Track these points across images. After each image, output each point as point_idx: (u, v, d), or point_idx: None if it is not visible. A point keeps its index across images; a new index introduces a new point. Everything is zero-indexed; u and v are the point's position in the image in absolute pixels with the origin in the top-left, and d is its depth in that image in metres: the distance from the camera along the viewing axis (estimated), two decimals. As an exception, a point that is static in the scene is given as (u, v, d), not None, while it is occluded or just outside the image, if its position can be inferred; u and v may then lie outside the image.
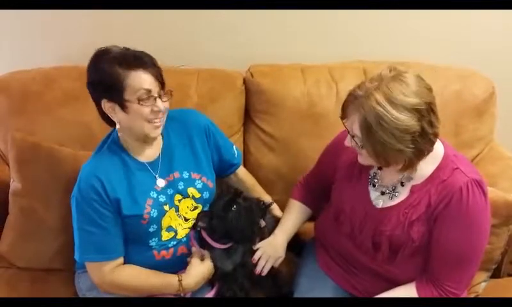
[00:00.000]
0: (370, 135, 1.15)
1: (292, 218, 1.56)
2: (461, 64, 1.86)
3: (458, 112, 1.79)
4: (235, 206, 1.37)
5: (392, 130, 1.13)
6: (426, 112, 1.15)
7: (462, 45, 1.99)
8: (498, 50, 2.00)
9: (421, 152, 1.19)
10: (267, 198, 1.68)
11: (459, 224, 1.22)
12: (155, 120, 1.37)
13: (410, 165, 1.22)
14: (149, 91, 1.33)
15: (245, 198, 1.40)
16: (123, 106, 1.33)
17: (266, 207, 1.36)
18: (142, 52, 1.37)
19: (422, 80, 1.18)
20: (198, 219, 1.45)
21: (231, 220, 1.40)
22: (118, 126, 1.40)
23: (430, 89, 1.18)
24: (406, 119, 1.12)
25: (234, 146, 1.67)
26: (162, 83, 1.38)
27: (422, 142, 1.17)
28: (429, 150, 1.21)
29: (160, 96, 1.36)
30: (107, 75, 1.32)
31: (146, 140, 1.43)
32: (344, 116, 1.24)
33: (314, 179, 1.58)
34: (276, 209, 1.65)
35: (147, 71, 1.33)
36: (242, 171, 1.72)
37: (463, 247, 1.24)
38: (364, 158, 1.27)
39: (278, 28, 1.96)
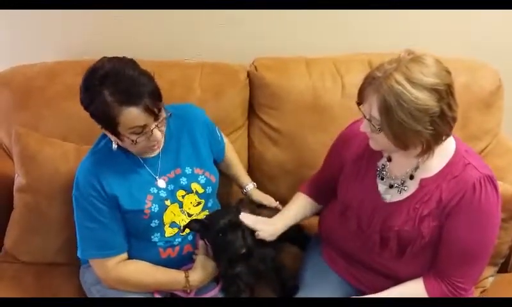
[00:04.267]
0: (390, 116, 1.13)
1: (294, 208, 1.54)
2: (468, 56, 1.84)
3: (465, 105, 1.76)
4: (221, 234, 1.37)
5: (411, 110, 1.11)
6: (445, 94, 1.13)
7: (469, 37, 1.97)
8: (505, 43, 1.98)
9: (439, 135, 1.17)
10: (246, 180, 1.72)
11: (471, 219, 1.21)
12: (153, 147, 1.36)
13: (428, 149, 1.20)
14: (144, 126, 1.28)
15: (233, 230, 1.38)
16: (118, 138, 1.31)
17: (246, 253, 1.37)
18: (136, 79, 1.26)
19: (440, 63, 1.16)
20: (187, 224, 1.43)
21: (213, 243, 1.42)
22: (115, 146, 1.37)
23: (449, 72, 1.17)
24: (426, 99, 1.11)
25: (217, 128, 1.65)
26: (158, 108, 1.29)
27: (441, 124, 1.15)
28: (448, 134, 1.20)
29: (157, 125, 1.31)
30: (99, 105, 1.24)
31: None
32: (360, 100, 1.21)
33: (322, 178, 1.56)
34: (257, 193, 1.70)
35: (140, 106, 1.24)
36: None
37: (473, 242, 1.23)
38: (379, 143, 1.24)
39: (282, 21, 1.94)
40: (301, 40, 1.98)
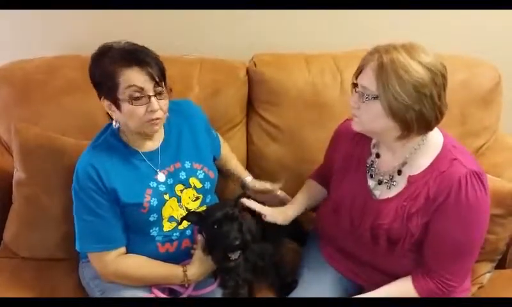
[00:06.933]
0: (385, 81, 1.16)
1: (303, 195, 1.57)
2: (467, 52, 1.84)
3: (464, 102, 1.77)
4: (216, 226, 1.37)
5: (405, 80, 1.14)
6: (439, 80, 1.17)
7: (468, 33, 1.97)
8: (504, 39, 1.98)
9: (422, 120, 1.18)
10: (244, 174, 1.70)
11: (457, 215, 1.21)
12: (152, 119, 1.34)
13: (407, 131, 1.21)
14: (141, 89, 1.29)
15: (228, 222, 1.37)
16: (117, 105, 1.32)
17: (241, 245, 1.36)
18: (142, 48, 1.33)
19: (437, 58, 1.20)
20: (184, 216, 1.43)
21: (208, 235, 1.42)
22: (115, 124, 1.38)
23: (444, 67, 1.20)
24: (422, 74, 1.15)
25: (213, 130, 1.67)
26: (161, 81, 1.33)
27: (427, 108, 1.17)
28: (430, 126, 1.21)
29: (156, 95, 1.32)
30: (103, 72, 1.30)
31: (146, 135, 1.42)
32: (359, 70, 1.23)
33: (326, 170, 1.57)
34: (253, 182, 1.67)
35: (142, 69, 1.29)
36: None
37: (460, 238, 1.23)
38: (362, 122, 1.25)
39: (281, 17, 1.94)
40: (301, 36, 1.98)
